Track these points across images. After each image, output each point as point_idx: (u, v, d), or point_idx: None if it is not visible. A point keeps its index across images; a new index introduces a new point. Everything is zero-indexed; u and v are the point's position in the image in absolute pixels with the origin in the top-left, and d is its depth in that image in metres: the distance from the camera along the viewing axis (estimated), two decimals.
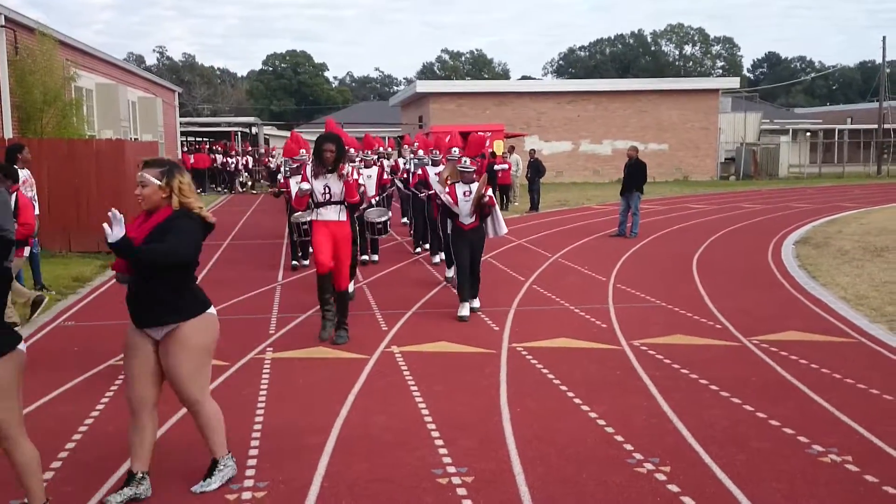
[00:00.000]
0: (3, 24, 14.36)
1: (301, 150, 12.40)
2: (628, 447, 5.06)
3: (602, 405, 5.87)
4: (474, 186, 9.02)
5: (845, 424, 5.47)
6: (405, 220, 17.86)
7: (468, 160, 9.60)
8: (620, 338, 7.95)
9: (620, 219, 16.99)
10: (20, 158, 10.36)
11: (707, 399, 6.03)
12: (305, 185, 7.75)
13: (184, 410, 5.17)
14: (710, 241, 15.61)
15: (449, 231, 9.59)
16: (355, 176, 8.24)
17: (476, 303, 9.25)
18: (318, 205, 7.77)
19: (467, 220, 9.03)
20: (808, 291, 10.39)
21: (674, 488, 4.45)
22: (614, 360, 7.17)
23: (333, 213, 7.75)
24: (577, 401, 5.99)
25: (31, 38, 15.54)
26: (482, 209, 9.00)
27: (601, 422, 5.53)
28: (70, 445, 5.15)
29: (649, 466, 4.75)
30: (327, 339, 7.73)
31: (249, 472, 4.68)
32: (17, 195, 8.37)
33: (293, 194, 9.08)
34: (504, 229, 9.35)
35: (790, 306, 9.53)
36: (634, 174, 17.05)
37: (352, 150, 13.01)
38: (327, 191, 7.73)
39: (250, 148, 37.61)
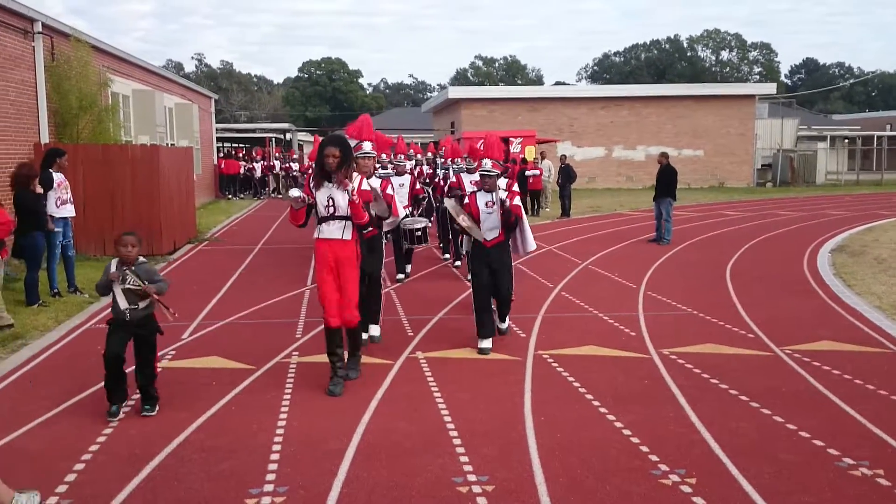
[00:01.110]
0: (41, 30, 14.58)
1: (365, 143, 11.40)
2: (654, 458, 4.97)
3: (628, 415, 5.78)
4: (499, 196, 7.70)
5: (877, 437, 5.33)
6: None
7: (489, 162, 7.90)
8: (649, 346, 7.84)
9: (657, 224, 16.87)
10: (57, 163, 10.58)
11: (736, 409, 5.92)
12: (296, 192, 6.58)
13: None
14: (744, 249, 15.40)
15: (464, 248, 8.28)
16: (366, 187, 7.36)
17: (503, 323, 8.23)
18: (321, 220, 6.61)
19: (490, 234, 7.73)
20: (842, 300, 10.19)
21: (699, 501, 4.36)
22: (642, 368, 7.07)
23: (337, 230, 6.56)
24: (602, 410, 5.91)
25: (67, 44, 15.76)
26: (507, 218, 7.64)
27: (626, 431, 5.44)
28: (94, 448, 5.17)
29: (675, 478, 4.67)
30: (340, 394, 6.35)
31: (270, 477, 4.67)
32: None
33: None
34: (532, 245, 8.15)
35: (824, 315, 9.35)
36: (663, 180, 16.91)
37: (383, 156, 12.32)
38: (331, 203, 6.55)
39: (281, 154, 37.89)
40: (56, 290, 10.42)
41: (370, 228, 7.53)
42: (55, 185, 10.41)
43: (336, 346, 6.55)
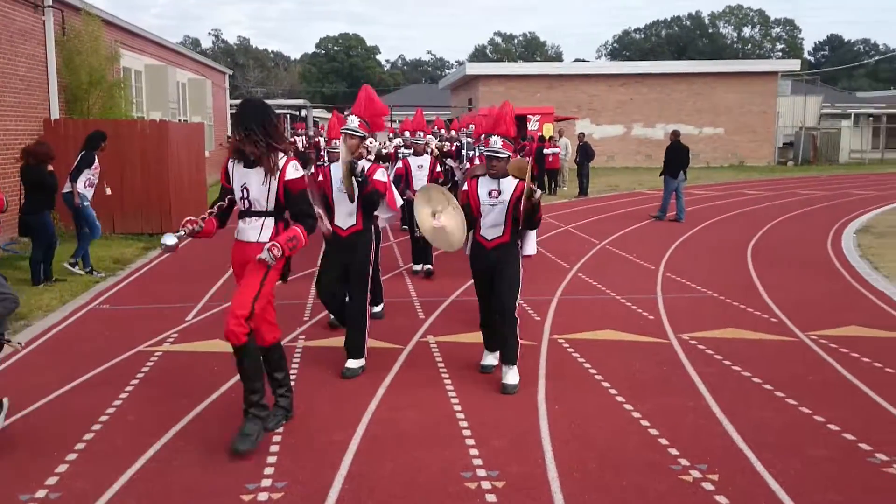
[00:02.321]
0: (51, 4, 14.33)
1: (351, 117, 7.39)
2: (673, 451, 4.71)
3: (646, 404, 5.51)
4: (508, 184, 5.93)
5: None
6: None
7: (499, 140, 5.90)
8: (668, 331, 7.56)
9: (662, 201, 16.88)
10: (102, 147, 10.52)
11: (760, 399, 5.63)
12: (170, 240, 4.72)
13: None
14: (765, 229, 15.02)
15: (468, 251, 6.26)
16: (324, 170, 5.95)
17: (509, 368, 5.97)
18: (239, 214, 4.98)
19: (492, 232, 6.02)
20: (869, 283, 9.85)
21: (722, 500, 4.09)
22: (661, 354, 6.78)
23: (252, 231, 4.85)
24: (619, 399, 5.64)
25: (78, 18, 15.51)
26: (530, 215, 5.85)
27: (644, 422, 5.18)
28: (88, 436, 4.96)
29: (696, 474, 4.40)
30: (240, 451, 4.62)
31: (268, 471, 4.44)
32: None
33: (331, 183, 6.54)
34: (533, 248, 6.38)
35: (851, 299, 9.02)
36: (670, 157, 16.74)
37: (372, 141, 10.11)
38: (245, 194, 4.85)
39: (300, 130, 37.59)
40: (91, 268, 10.37)
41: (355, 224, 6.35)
42: (92, 167, 10.32)
43: (247, 375, 4.80)
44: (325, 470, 4.45)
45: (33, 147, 9.79)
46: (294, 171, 4.84)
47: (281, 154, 4.81)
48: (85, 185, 10.29)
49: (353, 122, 6.24)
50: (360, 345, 6.31)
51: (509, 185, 5.92)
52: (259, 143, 4.71)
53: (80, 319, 8.16)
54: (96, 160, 10.43)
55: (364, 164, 6.38)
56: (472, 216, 6.03)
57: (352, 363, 6.27)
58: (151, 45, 21.62)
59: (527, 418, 5.26)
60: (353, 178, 6.20)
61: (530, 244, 6.29)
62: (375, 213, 6.65)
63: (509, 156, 5.98)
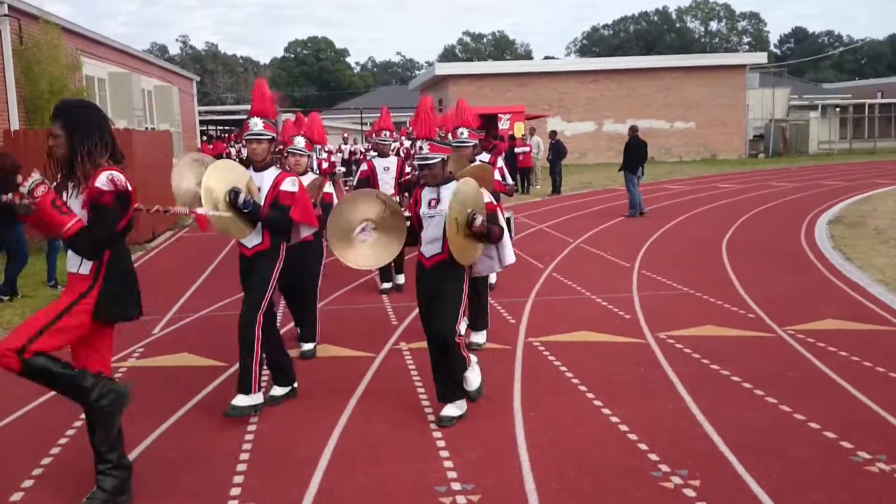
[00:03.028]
0: (7, 12, 14.02)
1: (297, 138, 6.95)
2: (653, 457, 4.58)
3: (624, 407, 5.39)
4: (448, 193, 5.10)
5: (893, 427, 4.94)
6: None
7: (426, 145, 5.25)
8: (645, 330, 7.45)
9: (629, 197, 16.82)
10: None
11: (740, 399, 5.53)
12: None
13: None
14: (739, 223, 15.00)
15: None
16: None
17: (472, 383, 5.30)
18: None
19: (430, 248, 5.27)
20: (843, 274, 9.81)
21: None
22: (638, 355, 6.67)
23: (73, 260, 4.04)
24: (597, 403, 5.51)
25: (36, 26, 15.20)
26: (483, 238, 5.22)
27: (623, 427, 5.05)
28: (46, 461, 4.75)
29: (677, 480, 4.27)
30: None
31: (234, 492, 4.26)
32: None
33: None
34: (511, 257, 5.56)
35: (826, 291, 8.97)
36: (628, 153, 16.80)
37: (386, 135, 9.52)
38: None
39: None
40: (55, 281, 10.12)
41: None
42: None
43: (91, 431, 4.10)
44: (295, 487, 4.28)
45: None
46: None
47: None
48: None
49: (257, 124, 5.45)
50: (248, 376, 5.26)
51: (449, 193, 5.11)
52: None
53: None
54: None
55: (245, 196, 5.16)
56: (415, 230, 5.42)
57: (237, 400, 5.23)
58: (115, 52, 21.31)
59: (502, 427, 5.11)
60: (238, 209, 5.16)
61: (507, 252, 5.52)
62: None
63: (444, 159, 5.26)
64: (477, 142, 6.53)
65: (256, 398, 5.30)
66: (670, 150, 38.32)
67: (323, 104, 79.29)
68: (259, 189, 5.38)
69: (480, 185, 5.34)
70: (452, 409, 5.23)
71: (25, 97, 14.84)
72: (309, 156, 6.73)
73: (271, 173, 5.49)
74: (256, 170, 5.46)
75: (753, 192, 21.28)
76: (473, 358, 5.38)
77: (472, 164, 6.34)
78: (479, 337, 6.95)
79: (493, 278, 8.55)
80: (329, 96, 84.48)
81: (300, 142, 6.66)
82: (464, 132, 6.48)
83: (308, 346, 6.88)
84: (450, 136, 7.21)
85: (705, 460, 4.53)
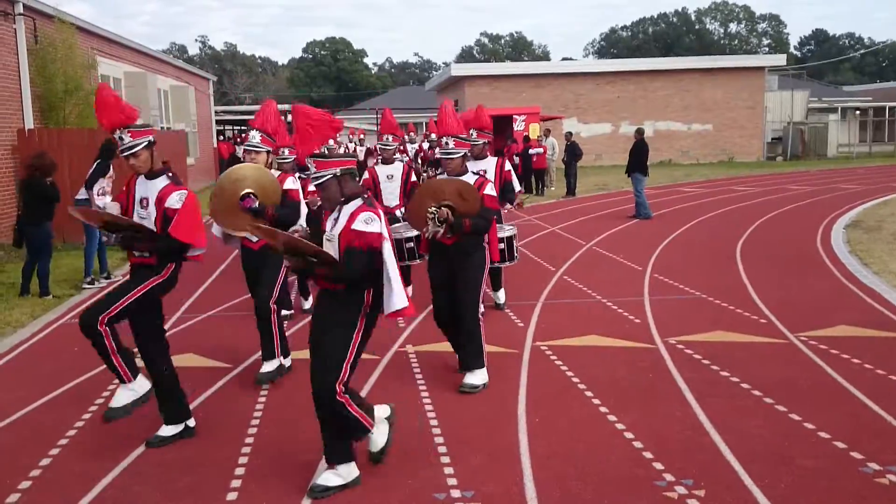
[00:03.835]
0: (22, 11, 14.06)
1: (252, 132, 6.51)
2: (658, 466, 4.49)
3: (631, 414, 5.30)
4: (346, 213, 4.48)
5: None
6: None
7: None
8: (655, 335, 7.35)
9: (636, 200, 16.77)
10: (118, 155, 10.30)
11: (749, 407, 5.43)
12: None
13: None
14: (755, 227, 14.84)
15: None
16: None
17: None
18: None
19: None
20: (859, 280, 9.66)
21: None
22: (647, 360, 6.57)
23: None
24: (602, 409, 5.43)
25: (51, 26, 15.24)
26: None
27: (629, 435, 4.96)
28: (45, 462, 4.72)
29: (681, 490, 4.19)
30: None
31: (231, 496, 4.22)
32: None
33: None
34: (399, 302, 4.43)
35: (841, 297, 8.83)
36: (632, 156, 16.89)
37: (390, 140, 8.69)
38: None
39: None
40: (91, 278, 10.24)
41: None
42: (106, 176, 10.11)
43: None
44: (292, 493, 4.23)
45: (36, 160, 9.69)
46: None
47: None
48: (98, 193, 10.06)
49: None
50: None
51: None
52: None
53: (50, 336, 7.90)
54: (111, 169, 10.21)
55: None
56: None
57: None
58: (131, 52, 21.36)
59: (505, 433, 5.04)
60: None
61: (396, 296, 4.44)
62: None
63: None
64: (466, 151, 6.12)
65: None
66: (687, 153, 38.03)
67: (340, 104, 79.46)
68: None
69: (462, 208, 5.63)
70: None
71: (40, 96, 14.88)
72: (268, 152, 6.15)
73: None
74: None
75: (770, 195, 21.06)
76: (383, 415, 4.73)
77: (454, 179, 5.91)
78: (476, 378, 5.96)
79: (501, 297, 8.50)
80: (346, 97, 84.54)
81: (255, 137, 6.14)
82: (449, 142, 5.90)
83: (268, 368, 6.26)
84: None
85: (711, 469, 4.44)
